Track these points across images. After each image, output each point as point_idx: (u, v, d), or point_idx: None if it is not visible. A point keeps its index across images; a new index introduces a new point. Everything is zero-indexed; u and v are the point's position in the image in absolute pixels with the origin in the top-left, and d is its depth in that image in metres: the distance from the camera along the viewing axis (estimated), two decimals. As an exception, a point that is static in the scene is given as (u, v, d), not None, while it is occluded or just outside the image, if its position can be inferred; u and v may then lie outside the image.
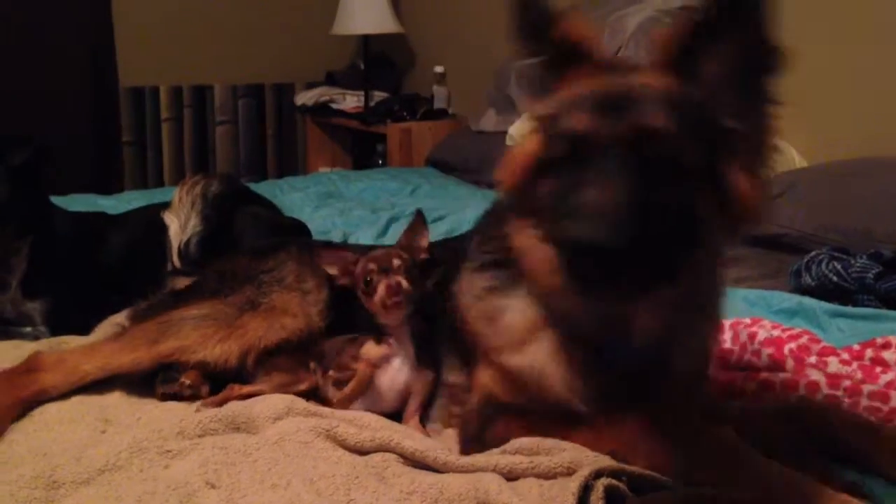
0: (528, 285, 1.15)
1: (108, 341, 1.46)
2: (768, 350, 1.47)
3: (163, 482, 1.05)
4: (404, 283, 1.31)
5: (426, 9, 4.64)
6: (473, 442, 1.20)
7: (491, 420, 1.19)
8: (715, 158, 0.98)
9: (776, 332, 1.52)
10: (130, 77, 4.34)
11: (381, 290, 1.31)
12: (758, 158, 1.03)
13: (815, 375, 1.37)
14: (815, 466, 1.04)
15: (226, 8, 4.54)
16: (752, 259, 2.11)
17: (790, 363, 1.42)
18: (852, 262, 1.85)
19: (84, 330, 1.67)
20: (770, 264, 2.11)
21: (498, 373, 1.20)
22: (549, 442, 1.09)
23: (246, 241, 2.02)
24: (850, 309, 1.75)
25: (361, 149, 4.84)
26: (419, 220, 1.44)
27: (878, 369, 1.36)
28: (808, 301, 1.78)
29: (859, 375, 1.36)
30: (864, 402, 1.29)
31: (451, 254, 1.41)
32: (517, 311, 1.17)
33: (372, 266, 1.34)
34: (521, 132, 1.13)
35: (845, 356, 1.43)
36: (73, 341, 1.59)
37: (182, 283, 1.62)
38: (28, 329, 1.78)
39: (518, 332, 1.17)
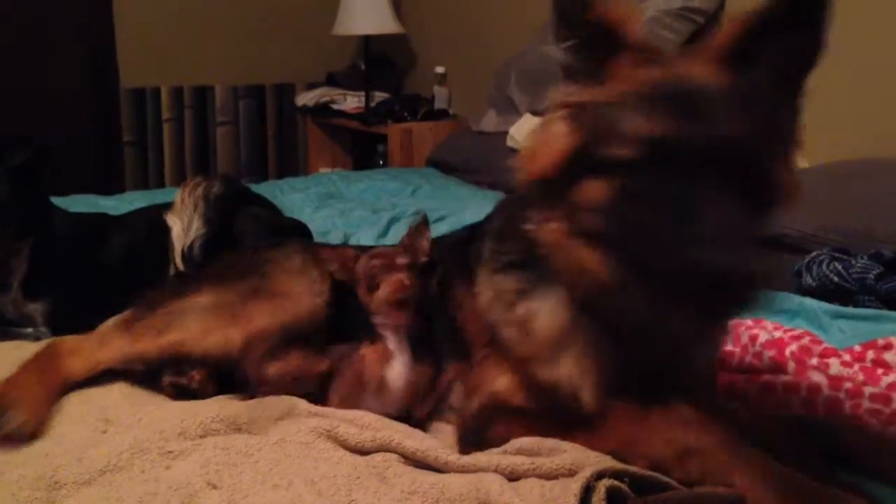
0: (560, 282, 1.12)
1: (117, 330, 1.45)
2: (770, 352, 1.47)
3: (164, 483, 1.05)
4: (408, 282, 1.29)
5: (427, 9, 4.64)
6: (474, 441, 1.19)
7: (492, 420, 1.18)
8: (769, 157, 0.98)
9: (778, 334, 1.52)
10: (131, 78, 4.34)
11: (385, 286, 1.29)
12: (793, 153, 1.02)
13: (816, 377, 1.37)
14: (816, 469, 1.04)
15: (226, 9, 4.54)
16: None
17: (791, 365, 1.42)
18: (853, 262, 1.85)
19: (86, 331, 1.67)
20: (771, 265, 2.11)
21: (520, 377, 1.17)
22: (550, 442, 1.09)
23: (246, 242, 2.02)
24: (851, 310, 1.75)
25: (362, 149, 4.84)
26: (422, 223, 1.43)
27: (880, 371, 1.36)
28: (810, 302, 1.77)
29: (861, 377, 1.36)
30: (866, 404, 1.29)
31: (446, 253, 1.41)
32: (546, 315, 1.14)
33: (376, 263, 1.32)
34: (543, 119, 1.09)
35: (847, 357, 1.43)
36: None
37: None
38: (29, 330, 1.78)
39: (548, 338, 1.14)
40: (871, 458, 1.12)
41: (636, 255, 0.97)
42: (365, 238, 2.53)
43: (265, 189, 2.98)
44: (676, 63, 1.03)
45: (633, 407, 1.09)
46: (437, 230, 1.68)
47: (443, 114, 4.41)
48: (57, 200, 2.05)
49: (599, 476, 0.96)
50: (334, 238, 2.52)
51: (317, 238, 2.30)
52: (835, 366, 1.40)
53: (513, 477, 1.05)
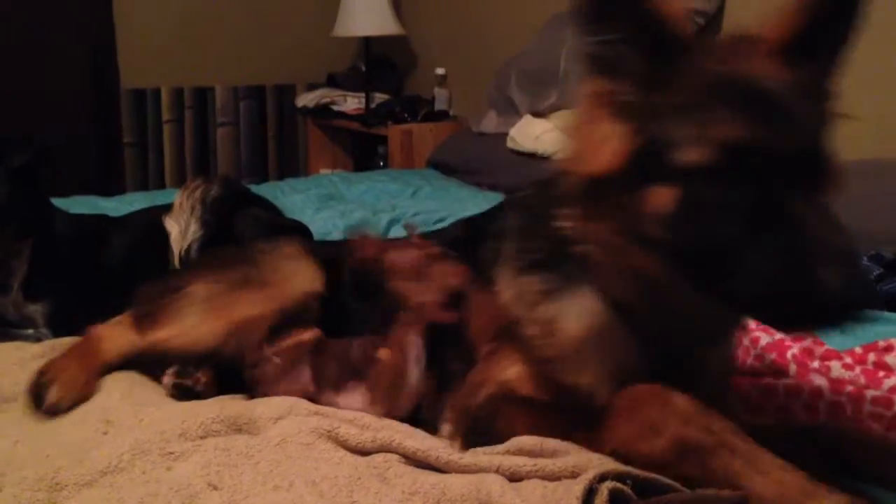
0: (592, 283, 1.09)
1: (118, 326, 1.49)
2: (771, 355, 1.47)
3: (165, 484, 1.05)
4: (462, 275, 1.27)
5: (427, 11, 4.64)
6: (477, 433, 1.16)
7: (499, 411, 1.16)
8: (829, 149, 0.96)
9: (779, 336, 1.52)
10: (132, 78, 4.34)
11: (438, 279, 1.26)
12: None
13: (818, 381, 1.37)
14: (821, 474, 1.03)
15: (227, 10, 4.55)
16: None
17: (793, 368, 1.42)
18: (854, 264, 1.85)
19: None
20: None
21: (534, 371, 1.15)
22: (552, 443, 1.09)
23: (246, 243, 2.02)
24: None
25: (362, 150, 4.84)
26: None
27: (882, 373, 1.36)
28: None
29: (862, 380, 1.35)
30: (868, 407, 1.29)
31: (445, 250, 1.40)
32: (574, 315, 1.12)
33: (416, 254, 1.28)
34: (578, 114, 1.04)
35: (848, 360, 1.42)
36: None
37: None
38: (30, 331, 1.78)
39: (575, 339, 1.12)
40: (873, 464, 1.11)
41: (704, 268, 0.94)
42: (365, 239, 2.53)
43: (266, 190, 2.98)
44: (737, 60, 0.97)
45: (641, 398, 1.06)
46: (438, 231, 1.67)
47: (443, 115, 4.42)
48: (57, 201, 2.05)
49: (602, 478, 0.96)
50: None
51: (317, 240, 2.30)
52: (836, 368, 1.40)
53: (514, 478, 1.05)
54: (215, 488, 1.05)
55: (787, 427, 1.22)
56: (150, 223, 2.08)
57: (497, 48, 3.94)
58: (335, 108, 4.64)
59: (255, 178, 4.47)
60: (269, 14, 4.66)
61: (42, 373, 1.36)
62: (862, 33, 1.03)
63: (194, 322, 1.39)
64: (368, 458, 1.12)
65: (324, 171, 4.52)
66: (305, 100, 4.73)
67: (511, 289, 1.20)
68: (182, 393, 1.38)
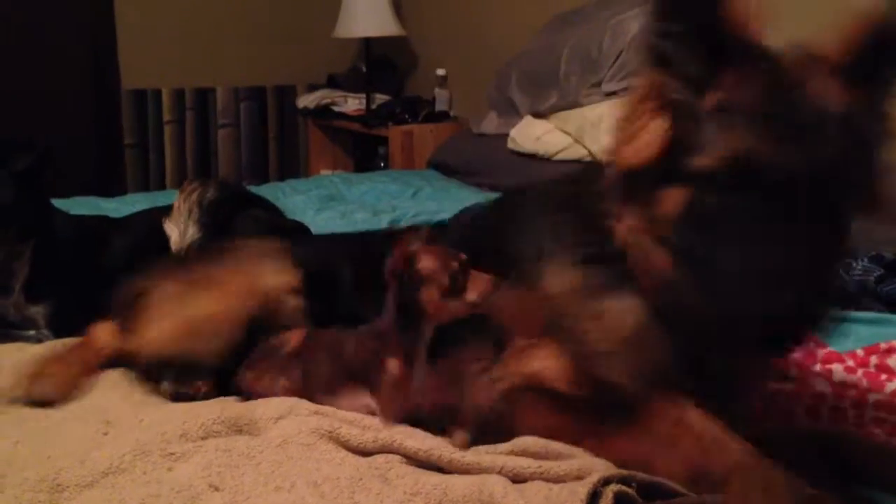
0: (639, 283, 1.08)
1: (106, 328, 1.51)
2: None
3: (166, 485, 1.05)
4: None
5: (428, 12, 4.64)
6: (487, 431, 1.15)
7: (519, 402, 1.15)
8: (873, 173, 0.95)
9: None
10: (132, 79, 4.34)
11: (476, 288, 1.23)
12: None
13: (820, 386, 1.36)
14: (828, 482, 1.02)
15: (228, 11, 4.55)
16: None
17: (795, 371, 1.42)
18: (853, 265, 1.85)
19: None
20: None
21: (572, 365, 1.13)
22: (557, 446, 1.09)
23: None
24: (852, 313, 1.74)
25: (363, 151, 4.84)
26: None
27: (884, 377, 1.36)
28: (811, 305, 1.77)
29: (865, 384, 1.35)
30: (870, 412, 1.28)
31: (461, 246, 1.37)
32: (622, 312, 1.11)
33: (450, 262, 1.23)
34: (628, 103, 1.03)
35: (850, 363, 1.42)
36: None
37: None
38: (31, 332, 1.77)
39: (623, 337, 1.11)
40: (876, 468, 1.11)
41: (698, 275, 0.94)
42: (366, 240, 2.53)
43: (267, 191, 2.98)
44: (794, 76, 0.96)
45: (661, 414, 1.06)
46: (439, 232, 1.66)
47: (444, 116, 4.41)
48: (58, 202, 2.05)
49: (607, 481, 0.96)
50: (335, 241, 2.52)
51: (318, 240, 2.30)
52: (838, 371, 1.39)
53: (517, 479, 1.05)
54: (217, 489, 1.05)
55: (790, 432, 1.21)
56: (151, 224, 2.07)
57: (497, 49, 3.94)
58: (336, 108, 4.64)
59: (255, 179, 4.47)
60: (269, 15, 4.66)
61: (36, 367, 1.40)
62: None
63: (160, 328, 1.38)
64: (370, 459, 1.12)
65: (324, 172, 4.52)
66: (306, 101, 4.73)
67: (562, 283, 1.17)
68: (180, 399, 1.38)
